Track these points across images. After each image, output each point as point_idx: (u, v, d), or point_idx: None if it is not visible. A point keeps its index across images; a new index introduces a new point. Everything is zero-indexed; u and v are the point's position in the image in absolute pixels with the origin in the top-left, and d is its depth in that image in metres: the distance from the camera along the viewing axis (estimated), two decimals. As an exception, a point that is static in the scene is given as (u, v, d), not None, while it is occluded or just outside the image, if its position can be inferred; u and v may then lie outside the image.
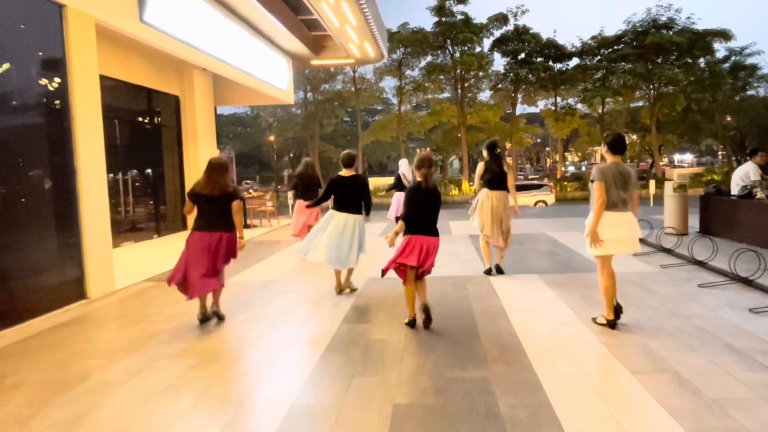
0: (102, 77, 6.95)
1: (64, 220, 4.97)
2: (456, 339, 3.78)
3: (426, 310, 4.04)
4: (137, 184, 9.39)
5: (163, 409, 2.85)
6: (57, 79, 4.90)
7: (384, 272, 4.02)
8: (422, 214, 3.96)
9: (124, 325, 4.42)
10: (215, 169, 4.15)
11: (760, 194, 7.06)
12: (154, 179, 9.91)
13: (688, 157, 55.07)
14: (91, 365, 3.49)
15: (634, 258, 6.43)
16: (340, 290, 5.18)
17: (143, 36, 6.37)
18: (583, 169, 43.04)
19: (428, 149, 32.31)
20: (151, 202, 9.78)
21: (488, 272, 5.78)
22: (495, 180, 5.62)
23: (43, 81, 4.79)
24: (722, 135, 31.82)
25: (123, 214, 8.95)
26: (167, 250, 8.17)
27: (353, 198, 5.03)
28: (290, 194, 7.35)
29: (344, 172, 5.05)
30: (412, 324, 4.08)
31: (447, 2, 27.99)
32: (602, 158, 4.19)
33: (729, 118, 31.35)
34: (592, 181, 3.88)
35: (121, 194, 8.88)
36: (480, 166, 5.73)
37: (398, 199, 8.50)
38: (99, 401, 2.96)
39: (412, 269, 3.99)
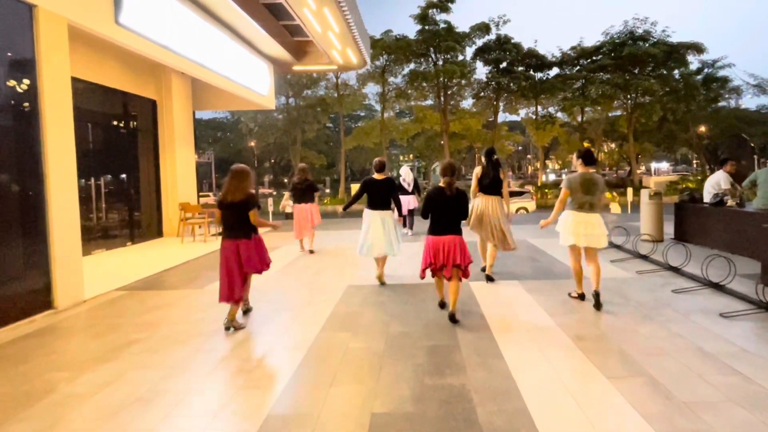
0: (76, 80, 6.81)
1: (31, 226, 4.79)
2: (435, 346, 3.76)
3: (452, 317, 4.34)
4: (111, 189, 9.15)
5: (132, 422, 2.75)
6: (26, 81, 4.75)
7: (422, 276, 4.55)
8: (445, 217, 4.36)
9: (93, 336, 4.26)
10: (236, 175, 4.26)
11: (730, 202, 7.28)
12: (128, 184, 9.67)
13: (665, 165, 56.57)
14: (57, 378, 3.36)
15: (612, 264, 6.53)
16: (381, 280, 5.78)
17: (119, 38, 6.24)
18: (563, 176, 43.85)
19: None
20: (126, 209, 9.53)
21: (484, 270, 5.92)
22: (491, 185, 5.71)
23: (11, 82, 4.64)
24: (696, 144, 32.81)
25: (95, 220, 8.69)
26: (141, 258, 7.98)
27: (384, 198, 5.67)
28: (288, 198, 7.96)
29: (377, 176, 5.71)
30: (442, 305, 4.69)
31: (430, 11, 28.28)
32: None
33: (702, 128, 32.34)
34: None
35: (94, 200, 8.62)
36: (478, 171, 5.80)
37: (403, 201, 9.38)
38: (64, 415, 2.84)
39: (442, 267, 4.36)
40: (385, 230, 5.59)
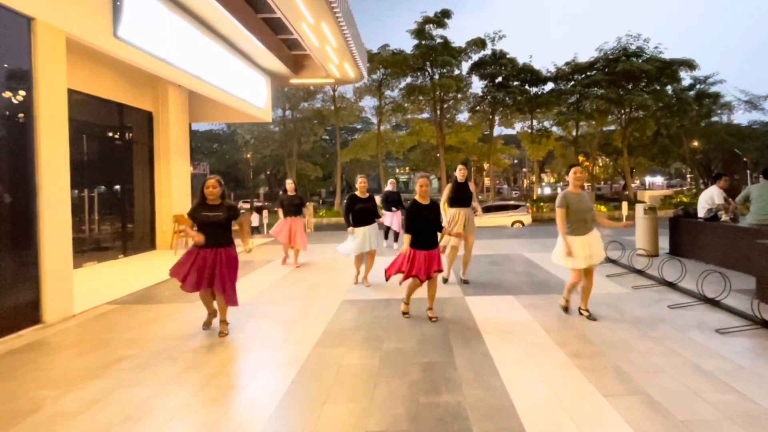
0: (72, 91, 6.81)
1: (21, 238, 4.72)
2: (431, 363, 3.71)
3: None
4: (104, 201, 9.07)
5: (118, 442, 2.68)
6: (22, 92, 4.73)
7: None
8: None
9: (82, 351, 4.18)
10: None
11: (724, 217, 7.31)
12: (122, 196, 9.61)
13: (659, 179, 56.99)
14: (44, 396, 3.28)
15: (607, 279, 6.52)
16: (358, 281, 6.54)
17: (117, 52, 6.26)
18: (559, 190, 44.09)
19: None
20: (118, 220, 9.44)
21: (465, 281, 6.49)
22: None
23: (7, 94, 4.63)
24: (690, 158, 33.15)
25: (87, 232, 8.60)
26: (133, 271, 7.89)
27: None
28: (279, 212, 8.21)
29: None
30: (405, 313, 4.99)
31: (427, 26, 28.67)
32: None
33: (695, 143, 32.71)
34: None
35: (86, 211, 8.55)
36: (472, 186, 6.37)
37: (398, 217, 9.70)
38: (49, 434, 2.77)
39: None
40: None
